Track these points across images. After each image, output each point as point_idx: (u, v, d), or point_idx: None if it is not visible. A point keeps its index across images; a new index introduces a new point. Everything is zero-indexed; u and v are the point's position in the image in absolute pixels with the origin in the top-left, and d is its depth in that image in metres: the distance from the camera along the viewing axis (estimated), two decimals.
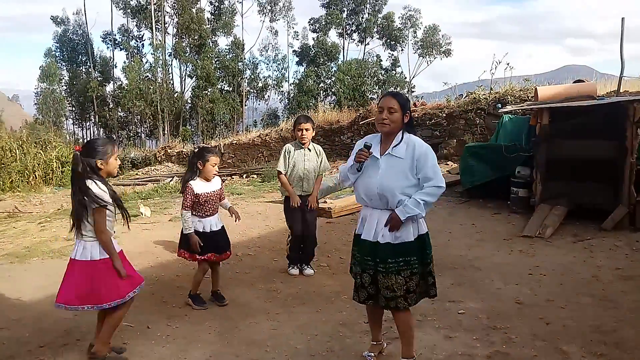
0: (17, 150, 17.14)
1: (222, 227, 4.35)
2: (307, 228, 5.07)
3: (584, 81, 8.96)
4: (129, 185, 15.61)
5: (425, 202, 2.91)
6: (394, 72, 47.08)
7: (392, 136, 3.02)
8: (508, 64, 14.00)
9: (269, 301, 4.46)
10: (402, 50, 48.24)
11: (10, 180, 16.34)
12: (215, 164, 4.20)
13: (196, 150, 4.41)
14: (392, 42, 47.18)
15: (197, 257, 4.18)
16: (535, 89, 9.15)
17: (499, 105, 11.92)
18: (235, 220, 4.41)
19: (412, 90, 46.30)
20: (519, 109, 9.45)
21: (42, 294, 4.54)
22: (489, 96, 12.91)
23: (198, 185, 4.14)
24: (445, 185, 2.99)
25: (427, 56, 47.63)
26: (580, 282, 4.73)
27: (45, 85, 42.95)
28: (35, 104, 44.15)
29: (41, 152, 17.73)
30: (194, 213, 4.17)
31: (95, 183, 3.05)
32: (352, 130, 15.86)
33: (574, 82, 9.05)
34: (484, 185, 8.49)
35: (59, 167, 17.26)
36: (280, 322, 3.98)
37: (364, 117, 15.56)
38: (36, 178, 16.89)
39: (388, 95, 3.04)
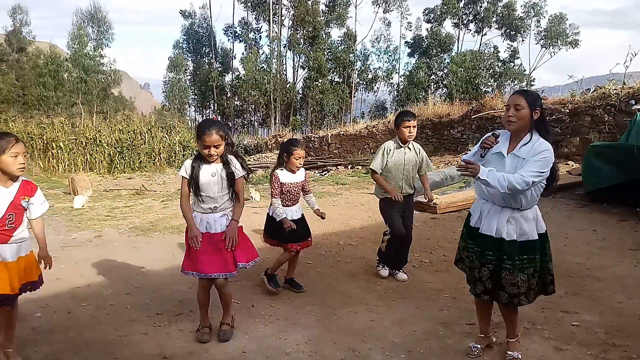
0: (146, 134, 18.86)
1: (302, 215, 4.41)
2: (405, 229, 4.78)
3: None
4: None
5: (508, 186, 2.76)
6: (512, 64, 44.60)
7: (521, 134, 2.94)
8: None
9: (368, 292, 4.47)
10: (522, 40, 45.52)
11: (139, 160, 18.06)
12: (300, 157, 4.24)
13: (284, 142, 4.46)
14: (512, 32, 44.62)
15: (283, 244, 4.29)
16: None
17: (633, 102, 10.75)
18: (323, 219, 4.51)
19: (532, 83, 43.51)
20: None
21: (160, 266, 4.98)
22: (621, 91, 11.68)
23: (283, 175, 4.24)
24: (528, 188, 2.83)
25: (551, 47, 44.31)
26: None
27: (173, 74, 46.67)
28: (163, 91, 48.18)
29: (166, 136, 19.34)
30: None
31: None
32: (463, 124, 15.26)
33: None
34: (608, 188, 7.72)
35: (180, 150, 18.72)
36: (378, 314, 3.97)
37: (477, 111, 14.89)
38: (161, 160, 18.49)
39: (515, 93, 3.00)
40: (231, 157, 3.40)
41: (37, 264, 3.09)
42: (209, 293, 3.48)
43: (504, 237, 2.92)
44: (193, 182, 3.30)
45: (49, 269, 3.13)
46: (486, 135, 3.05)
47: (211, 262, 3.31)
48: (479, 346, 3.27)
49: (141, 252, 5.53)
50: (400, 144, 4.68)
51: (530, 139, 2.90)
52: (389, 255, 4.86)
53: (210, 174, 3.30)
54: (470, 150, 3.15)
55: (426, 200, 4.96)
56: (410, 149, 4.72)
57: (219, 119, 3.39)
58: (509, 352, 3.15)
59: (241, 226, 3.48)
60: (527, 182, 2.78)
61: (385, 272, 4.88)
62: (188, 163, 3.36)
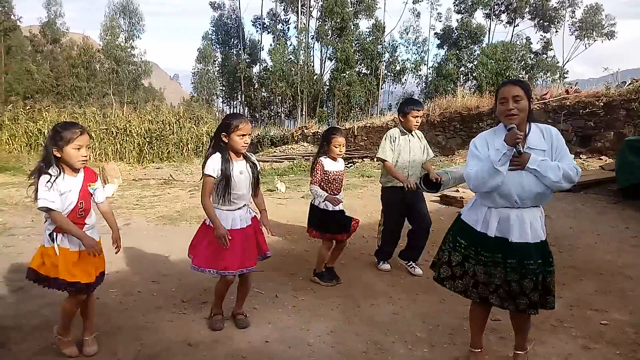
0: (174, 125, 19.15)
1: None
2: (423, 220, 4.66)
3: None
4: (267, 161, 16.56)
5: (563, 174, 2.58)
6: (544, 55, 43.48)
7: (521, 127, 2.71)
8: None
9: (391, 285, 4.45)
10: (556, 32, 44.33)
11: (168, 151, 18.36)
12: (340, 145, 4.22)
13: (325, 131, 4.44)
14: (546, 23, 43.47)
15: (329, 234, 4.29)
16: None
17: None
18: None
19: (565, 75, 42.42)
20: None
21: (186, 255, 5.04)
22: None
23: (327, 163, 4.23)
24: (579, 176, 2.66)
25: (586, 38, 43.04)
26: None
27: (201, 65, 47.15)
28: (192, 83, 48.77)
29: (194, 126, 19.60)
30: None
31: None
32: (493, 117, 14.96)
33: None
34: None
35: (208, 141, 18.91)
36: (402, 307, 3.95)
37: None
38: (189, 150, 18.76)
39: (509, 84, 2.73)
40: (247, 152, 3.42)
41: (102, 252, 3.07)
42: (228, 288, 3.50)
43: (513, 240, 2.69)
44: (224, 182, 3.22)
45: (118, 252, 3.16)
46: (473, 148, 2.81)
47: (235, 259, 3.29)
48: None
49: (168, 240, 5.62)
50: (405, 131, 4.65)
51: (531, 128, 2.73)
52: (390, 249, 4.86)
53: (239, 172, 3.29)
54: (473, 155, 2.83)
55: (433, 180, 4.82)
56: (414, 136, 4.71)
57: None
58: None
59: (255, 217, 3.52)
60: (577, 170, 2.62)
61: (386, 266, 4.85)
62: (216, 163, 3.21)
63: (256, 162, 3.46)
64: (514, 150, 2.62)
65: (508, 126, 2.67)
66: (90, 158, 16.55)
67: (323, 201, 4.18)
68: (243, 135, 3.22)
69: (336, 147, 4.21)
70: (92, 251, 2.85)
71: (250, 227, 3.40)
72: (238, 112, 50.53)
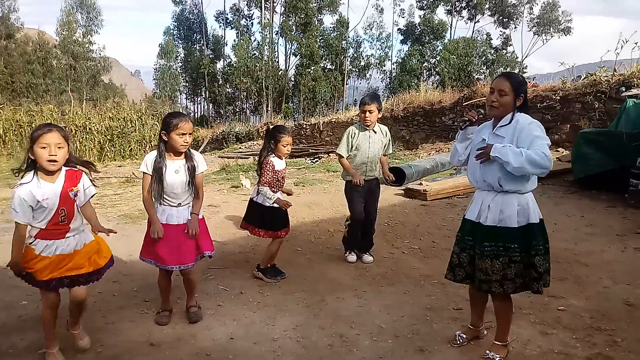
0: (136, 122, 18.73)
1: None
2: (369, 214, 4.84)
3: None
4: (232, 158, 16.40)
5: (526, 159, 2.63)
6: (504, 51, 44.57)
7: (502, 120, 2.88)
8: (637, 44, 12.50)
9: (357, 279, 4.48)
10: (515, 28, 45.50)
11: (130, 148, 17.95)
12: (288, 144, 4.18)
13: (271, 129, 4.36)
14: (505, 19, 44.54)
15: (274, 232, 4.27)
16: None
17: (623, 89, 10.76)
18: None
19: (524, 71, 43.49)
20: None
21: None
22: (612, 78, 11.71)
23: (277, 162, 4.19)
24: (551, 165, 2.68)
25: (543, 34, 44.32)
26: None
27: (163, 61, 46.19)
28: (154, 79, 47.72)
29: (157, 123, 19.21)
30: None
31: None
32: (455, 112, 15.25)
33: None
34: (597, 175, 7.77)
35: None
36: (367, 300, 3.98)
37: (468, 98, 14.88)
38: (152, 147, 18.36)
39: (501, 77, 2.89)
40: (193, 151, 3.40)
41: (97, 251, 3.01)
42: (171, 279, 3.55)
43: (481, 221, 2.89)
44: (157, 179, 3.23)
45: (109, 234, 3.07)
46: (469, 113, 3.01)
47: (168, 254, 3.31)
48: (465, 336, 3.21)
49: (129, 240, 5.48)
50: (365, 127, 4.68)
51: (511, 121, 2.82)
52: (353, 240, 4.92)
53: (174, 171, 3.27)
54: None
55: (389, 180, 4.97)
56: (375, 132, 4.73)
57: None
58: (488, 352, 3.02)
59: (203, 218, 3.52)
60: (545, 154, 2.63)
61: (352, 257, 4.92)
62: (150, 159, 3.26)
63: (199, 164, 3.37)
64: (462, 124, 3.00)
65: (478, 110, 3.01)
66: None
67: (272, 203, 4.14)
68: (183, 134, 3.19)
69: (284, 147, 4.16)
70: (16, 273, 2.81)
71: (185, 226, 3.35)
72: (202, 109, 49.87)
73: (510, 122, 2.83)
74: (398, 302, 3.93)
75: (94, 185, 3.03)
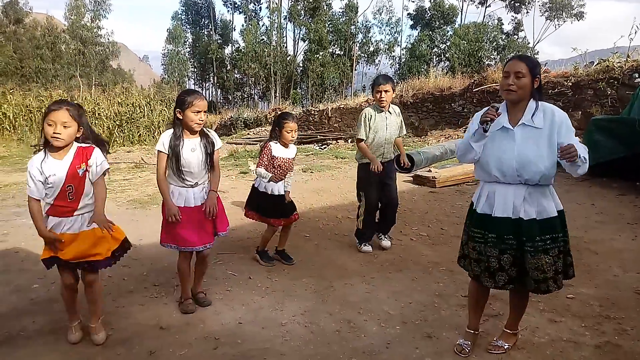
0: (145, 107, 18.74)
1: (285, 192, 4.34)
2: (389, 193, 4.76)
3: None
4: (240, 144, 16.40)
5: (586, 158, 2.57)
6: (515, 36, 43.93)
7: (520, 104, 2.70)
8: None
9: (365, 265, 4.49)
10: (527, 12, 44.74)
11: (139, 134, 18.00)
12: (292, 130, 4.15)
13: (277, 115, 4.35)
14: (517, 4, 43.83)
15: (266, 218, 4.28)
16: None
17: (636, 75, 10.60)
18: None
19: (535, 56, 42.86)
20: None
21: (158, 238, 4.91)
22: (625, 64, 11.51)
23: (276, 148, 4.17)
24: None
25: (556, 19, 43.63)
26: None
27: (172, 47, 46.09)
28: (162, 64, 47.66)
29: (165, 109, 19.22)
30: None
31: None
32: (464, 98, 15.11)
33: None
34: (609, 162, 7.67)
35: None
36: (375, 286, 3.99)
37: (479, 84, 14.72)
38: (160, 133, 18.38)
39: (515, 59, 2.71)
40: (208, 129, 3.40)
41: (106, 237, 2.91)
42: (190, 265, 3.50)
43: (522, 216, 2.66)
44: (174, 159, 3.21)
45: (107, 231, 2.85)
46: (484, 109, 2.74)
47: (191, 236, 3.31)
48: (469, 343, 2.96)
49: (139, 224, 5.53)
50: (380, 108, 4.62)
51: (536, 107, 2.67)
52: (369, 230, 4.83)
53: (190, 150, 3.25)
54: (469, 128, 2.84)
55: (402, 165, 4.93)
56: (390, 112, 4.68)
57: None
58: (497, 340, 2.96)
59: (219, 196, 3.50)
60: (587, 150, 2.59)
61: (368, 248, 4.84)
62: (166, 138, 3.23)
63: (215, 140, 3.38)
64: (484, 125, 2.63)
65: (493, 104, 2.69)
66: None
67: (268, 181, 4.15)
68: (198, 111, 3.18)
69: (288, 133, 4.14)
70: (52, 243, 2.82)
71: (200, 207, 3.36)
72: (211, 94, 49.78)
73: (536, 110, 2.67)
74: (406, 289, 3.93)
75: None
